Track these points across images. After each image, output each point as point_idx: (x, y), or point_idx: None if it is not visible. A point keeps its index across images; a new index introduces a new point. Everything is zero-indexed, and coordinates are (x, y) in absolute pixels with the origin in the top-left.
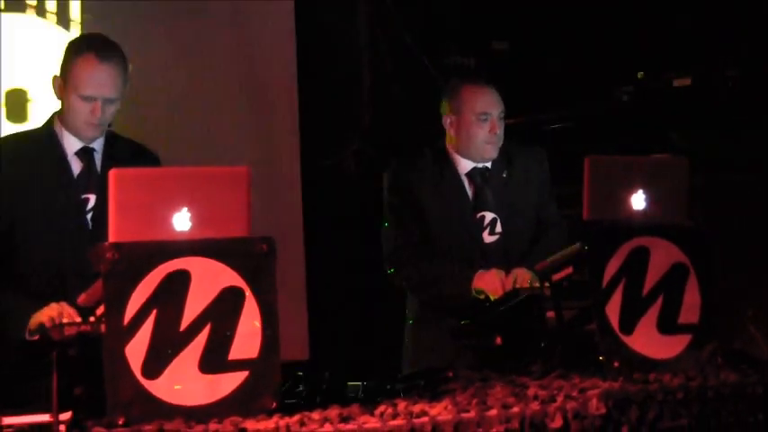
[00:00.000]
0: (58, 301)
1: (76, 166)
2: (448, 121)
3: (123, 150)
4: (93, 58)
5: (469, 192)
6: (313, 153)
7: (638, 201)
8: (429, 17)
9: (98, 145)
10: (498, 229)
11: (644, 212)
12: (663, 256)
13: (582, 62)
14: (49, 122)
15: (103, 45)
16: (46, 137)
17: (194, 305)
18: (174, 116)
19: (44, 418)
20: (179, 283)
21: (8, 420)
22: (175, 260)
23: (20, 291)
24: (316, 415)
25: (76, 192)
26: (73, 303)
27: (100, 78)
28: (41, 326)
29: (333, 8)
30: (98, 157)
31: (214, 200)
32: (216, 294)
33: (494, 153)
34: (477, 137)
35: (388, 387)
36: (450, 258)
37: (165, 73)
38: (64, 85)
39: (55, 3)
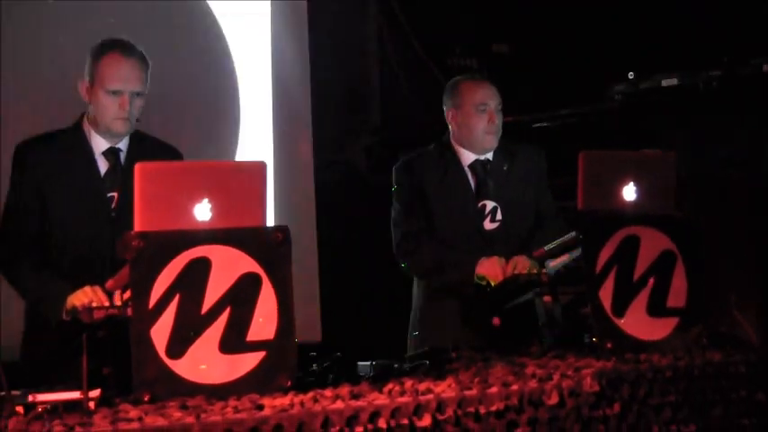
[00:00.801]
0: (91, 284)
1: (103, 166)
2: (450, 114)
3: (147, 148)
4: (119, 55)
5: (472, 182)
6: (325, 149)
7: (629, 193)
8: (434, 22)
9: (123, 145)
10: (499, 216)
11: (634, 203)
12: (652, 244)
13: (577, 63)
14: (78, 124)
15: (125, 44)
16: (74, 137)
17: (215, 290)
18: (195, 115)
19: (75, 395)
20: (200, 269)
21: (42, 397)
22: (197, 248)
23: (56, 276)
24: (328, 392)
25: (103, 189)
26: (104, 288)
27: (125, 73)
28: (74, 309)
29: (343, 13)
30: (123, 157)
31: (233, 192)
32: (235, 280)
33: (493, 143)
34: (477, 127)
35: (396, 367)
36: (454, 246)
37: (187, 75)
38: (91, 86)
39: None
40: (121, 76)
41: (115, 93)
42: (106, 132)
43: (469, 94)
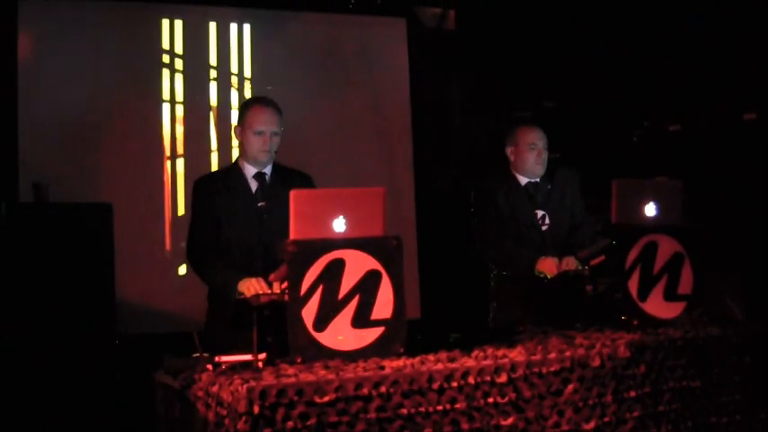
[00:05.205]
0: (253, 273)
1: (254, 185)
2: (509, 150)
3: (286, 174)
4: (260, 105)
5: (527, 197)
6: (423, 178)
7: (650, 210)
8: (500, 84)
9: (268, 170)
10: (547, 221)
11: (654, 218)
12: (667, 247)
13: (605, 114)
14: (236, 160)
15: (265, 98)
16: (234, 169)
17: (348, 282)
18: (328, 153)
19: (247, 357)
20: (337, 267)
21: (225, 358)
22: (335, 252)
23: (230, 267)
24: (431, 357)
25: (255, 202)
26: (263, 277)
27: (266, 118)
28: (243, 294)
29: (435, 78)
30: (268, 178)
31: (361, 209)
32: (362, 275)
33: (541, 171)
34: (528, 160)
35: (479, 337)
36: (520, 245)
37: (324, 126)
38: (242, 129)
39: None
40: (264, 120)
41: (260, 133)
42: (253, 162)
43: (523, 136)
